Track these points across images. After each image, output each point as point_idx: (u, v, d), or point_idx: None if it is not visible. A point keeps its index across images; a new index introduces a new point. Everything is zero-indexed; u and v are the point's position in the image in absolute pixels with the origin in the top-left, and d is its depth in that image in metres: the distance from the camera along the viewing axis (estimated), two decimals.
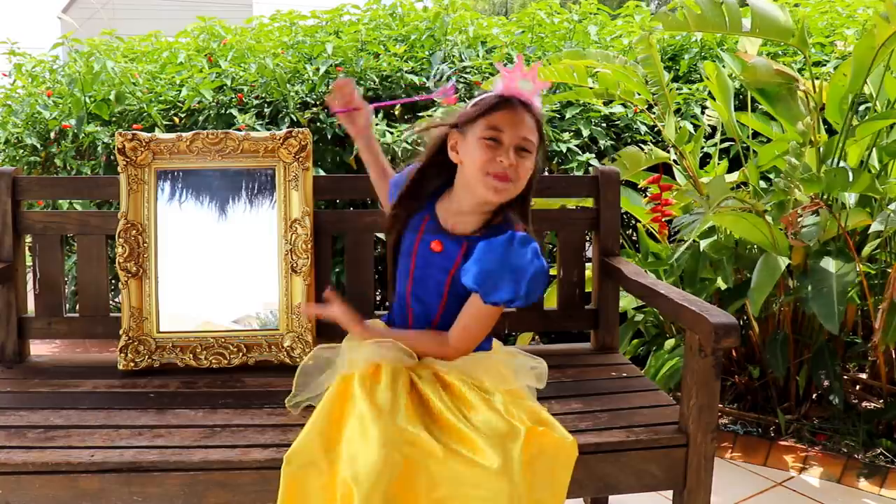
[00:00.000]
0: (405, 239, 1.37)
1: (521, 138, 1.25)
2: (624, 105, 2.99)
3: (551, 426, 1.21)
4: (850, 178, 1.97)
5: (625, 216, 3.02)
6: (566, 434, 1.20)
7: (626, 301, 2.36)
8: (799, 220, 2.00)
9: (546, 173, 3.02)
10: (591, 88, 2.44)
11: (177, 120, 3.14)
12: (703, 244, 2.38)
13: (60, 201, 2.93)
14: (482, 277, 1.23)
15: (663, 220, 2.38)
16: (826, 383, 2.21)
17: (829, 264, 2.06)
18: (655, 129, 2.93)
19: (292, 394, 1.35)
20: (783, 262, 2.06)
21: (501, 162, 1.23)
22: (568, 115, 3.00)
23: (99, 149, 3.06)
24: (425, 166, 1.35)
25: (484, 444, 1.13)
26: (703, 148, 2.68)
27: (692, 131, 2.80)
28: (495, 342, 1.43)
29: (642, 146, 2.46)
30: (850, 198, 2.23)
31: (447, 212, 1.33)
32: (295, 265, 1.63)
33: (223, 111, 3.05)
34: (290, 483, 1.13)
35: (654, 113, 2.53)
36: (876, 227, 2.12)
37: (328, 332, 1.71)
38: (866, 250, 2.26)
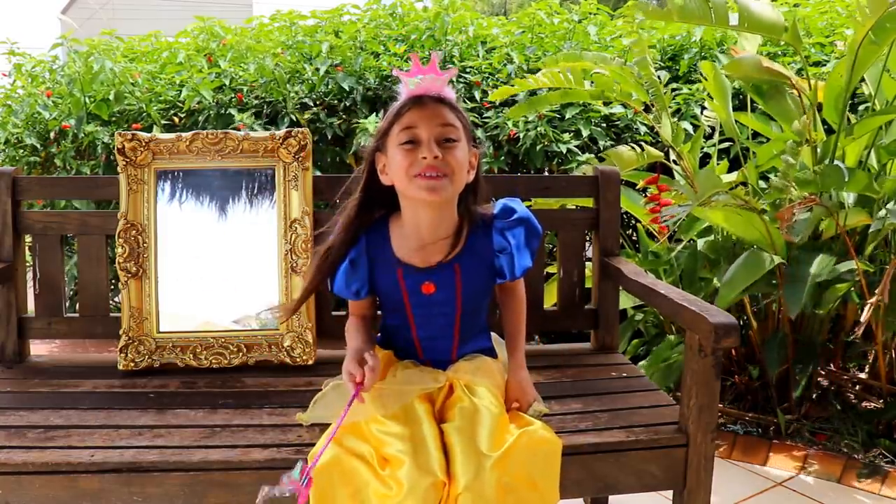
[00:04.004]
0: (384, 294, 1.32)
1: (439, 127, 1.19)
2: (624, 105, 2.99)
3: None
4: (846, 178, 1.96)
5: (625, 216, 3.02)
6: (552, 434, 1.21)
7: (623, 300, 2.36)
8: (793, 216, 2.00)
9: (546, 173, 3.03)
10: (587, 90, 2.43)
11: (176, 120, 3.14)
12: (700, 243, 2.38)
13: (59, 201, 2.93)
14: (529, 242, 1.31)
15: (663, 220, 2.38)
16: (807, 382, 2.21)
17: (812, 257, 2.06)
18: (655, 129, 2.93)
19: (308, 412, 1.33)
20: (774, 260, 2.06)
21: (424, 158, 1.18)
22: (568, 116, 3.00)
23: (98, 149, 3.06)
24: (363, 199, 1.28)
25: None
26: (702, 148, 2.68)
27: (691, 132, 2.80)
28: (497, 340, 1.43)
29: (638, 146, 2.46)
30: (850, 197, 2.23)
31: (415, 249, 1.27)
32: (295, 265, 1.63)
33: (223, 111, 3.05)
34: (319, 482, 1.12)
35: (652, 114, 2.53)
36: (875, 227, 2.12)
37: (328, 333, 1.71)
38: (868, 249, 2.25)
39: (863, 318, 1.91)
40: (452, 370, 1.29)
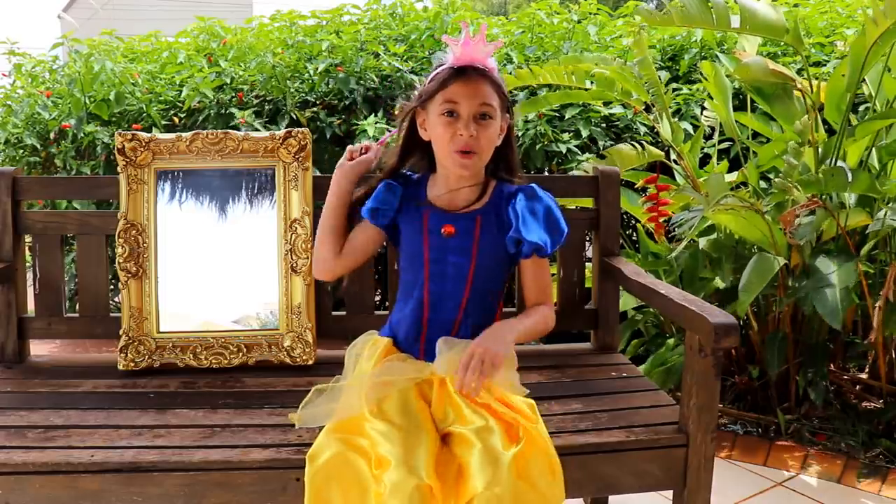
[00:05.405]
0: (406, 244, 1.36)
1: (479, 106, 1.27)
2: (624, 105, 2.99)
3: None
4: (849, 179, 1.96)
5: (625, 216, 3.02)
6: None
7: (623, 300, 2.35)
8: (796, 219, 2.00)
9: (546, 173, 3.03)
10: (587, 90, 2.43)
11: (176, 120, 3.14)
12: (702, 242, 2.37)
13: (59, 201, 2.93)
14: (548, 228, 1.31)
15: (660, 220, 2.38)
16: (814, 384, 2.21)
17: (829, 263, 2.06)
18: (655, 129, 2.93)
19: (299, 413, 1.31)
20: (779, 262, 2.06)
21: (461, 136, 1.26)
22: (567, 116, 3.00)
23: (98, 149, 3.07)
24: (404, 148, 1.38)
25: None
26: (702, 148, 2.68)
27: (691, 132, 2.80)
28: None
29: (637, 145, 2.46)
30: (851, 197, 2.23)
31: (442, 194, 1.35)
32: (295, 265, 1.63)
33: (223, 110, 3.05)
34: (315, 482, 1.13)
35: (652, 114, 2.53)
36: (873, 227, 2.12)
37: (328, 333, 1.71)
38: (865, 249, 2.25)
39: (875, 323, 1.91)
40: (446, 364, 1.23)
